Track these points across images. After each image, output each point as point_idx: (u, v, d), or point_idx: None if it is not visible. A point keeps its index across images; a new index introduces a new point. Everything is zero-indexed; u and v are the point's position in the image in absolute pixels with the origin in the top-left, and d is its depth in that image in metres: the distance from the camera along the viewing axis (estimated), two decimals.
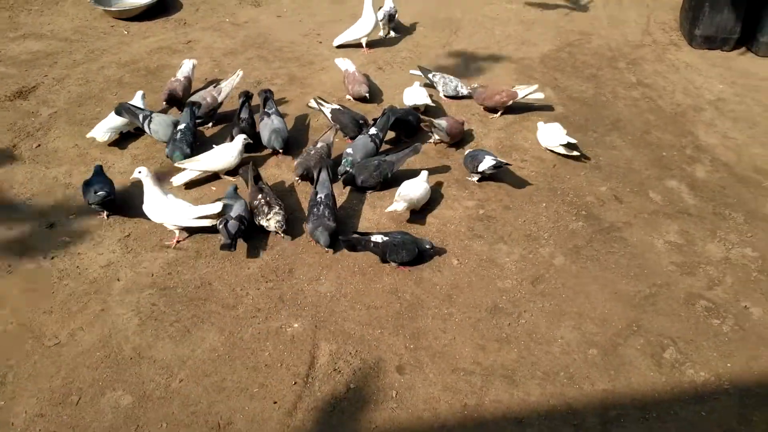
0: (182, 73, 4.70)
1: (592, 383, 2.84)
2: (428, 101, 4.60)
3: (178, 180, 3.96)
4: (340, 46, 5.60)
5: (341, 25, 5.92)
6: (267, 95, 4.37)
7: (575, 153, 4.24)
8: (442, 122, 4.24)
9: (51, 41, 5.68)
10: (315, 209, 3.49)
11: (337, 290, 3.28)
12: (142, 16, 6.06)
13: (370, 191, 3.95)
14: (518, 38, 5.90)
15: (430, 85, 4.92)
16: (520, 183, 4.05)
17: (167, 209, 3.49)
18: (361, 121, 4.25)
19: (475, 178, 4.04)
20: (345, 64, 4.90)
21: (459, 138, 4.38)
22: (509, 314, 3.16)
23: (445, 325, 3.10)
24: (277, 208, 3.52)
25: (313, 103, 4.52)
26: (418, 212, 3.76)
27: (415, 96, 4.60)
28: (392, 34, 5.84)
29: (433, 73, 4.90)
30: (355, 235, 3.42)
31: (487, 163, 3.86)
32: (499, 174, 4.06)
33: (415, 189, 3.68)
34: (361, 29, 5.46)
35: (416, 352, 2.96)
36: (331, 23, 6.05)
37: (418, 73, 4.96)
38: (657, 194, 4.00)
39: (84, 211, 3.74)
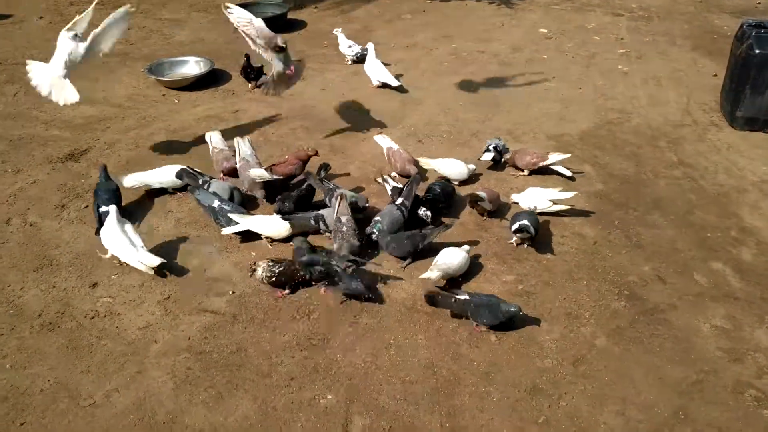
0: (220, 143, 4.80)
1: None
2: (466, 173, 4.76)
3: (228, 230, 4.05)
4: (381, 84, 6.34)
5: (384, 100, 6.13)
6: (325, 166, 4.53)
7: (564, 207, 4.34)
8: (483, 194, 4.30)
9: (105, 107, 5.95)
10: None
11: (372, 362, 3.23)
12: (193, 86, 6.32)
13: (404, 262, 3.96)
14: (557, 115, 5.96)
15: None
16: (560, 259, 4.00)
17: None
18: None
19: (513, 239, 4.08)
20: (386, 141, 4.98)
21: (497, 206, 4.43)
22: (549, 396, 3.06)
23: (483, 404, 3.02)
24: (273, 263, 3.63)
25: (380, 180, 4.65)
26: (454, 281, 3.73)
27: (454, 168, 4.69)
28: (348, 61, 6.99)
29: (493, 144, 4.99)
30: (440, 292, 3.49)
31: (514, 226, 3.94)
32: (539, 248, 4.04)
33: (453, 258, 3.68)
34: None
35: None
36: (373, 96, 6.22)
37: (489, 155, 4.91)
38: (702, 276, 3.91)
39: (126, 271, 3.81)
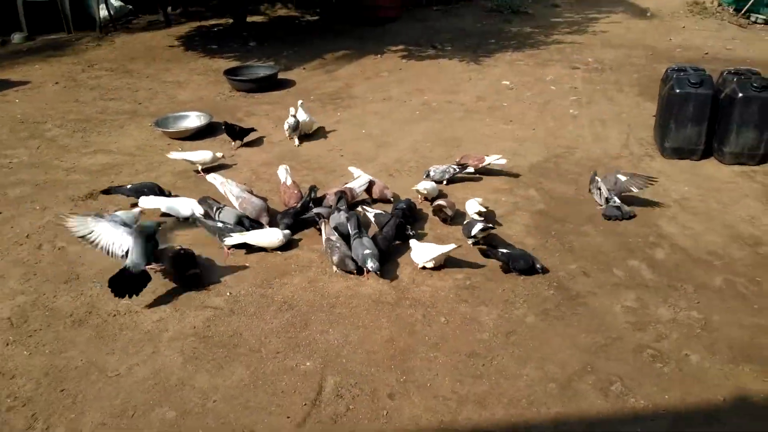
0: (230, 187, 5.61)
1: (548, 408, 3.44)
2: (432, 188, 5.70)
3: (229, 241, 4.85)
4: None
5: (361, 143, 7.04)
6: (342, 195, 5.29)
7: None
8: (444, 202, 5.30)
9: (117, 155, 6.83)
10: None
11: (343, 339, 3.99)
12: (194, 136, 7.24)
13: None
14: (511, 151, 6.84)
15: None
16: None
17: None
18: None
19: (471, 241, 4.96)
20: (358, 171, 5.87)
21: (454, 212, 5.35)
22: (484, 357, 3.82)
23: (431, 365, 3.77)
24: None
25: (361, 210, 5.40)
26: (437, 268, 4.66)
27: (432, 187, 5.70)
28: (296, 141, 7.20)
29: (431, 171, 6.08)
30: (490, 249, 4.69)
31: (477, 228, 4.82)
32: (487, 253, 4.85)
33: (429, 250, 4.61)
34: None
35: (405, 384, 3.62)
36: (352, 141, 7.14)
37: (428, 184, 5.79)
38: (620, 271, 4.70)
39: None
